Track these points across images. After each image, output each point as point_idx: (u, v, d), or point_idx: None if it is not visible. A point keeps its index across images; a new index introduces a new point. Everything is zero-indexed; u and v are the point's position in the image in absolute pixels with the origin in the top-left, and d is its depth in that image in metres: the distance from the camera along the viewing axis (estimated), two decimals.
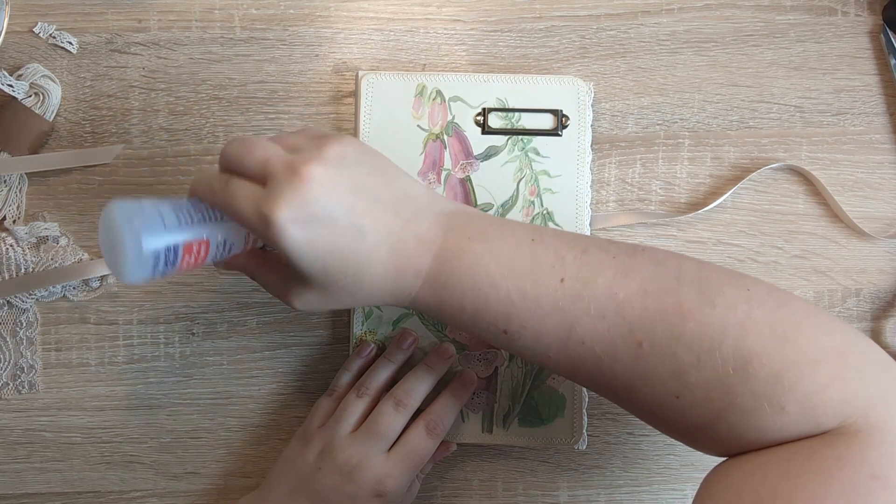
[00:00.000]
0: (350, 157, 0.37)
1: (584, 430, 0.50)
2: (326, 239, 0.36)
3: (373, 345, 0.51)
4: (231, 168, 0.37)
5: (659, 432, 0.52)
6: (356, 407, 0.48)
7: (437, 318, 0.40)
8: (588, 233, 0.51)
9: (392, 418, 0.47)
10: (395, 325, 0.51)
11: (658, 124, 0.54)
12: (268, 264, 0.42)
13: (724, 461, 0.37)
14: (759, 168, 0.53)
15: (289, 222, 0.35)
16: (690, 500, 0.52)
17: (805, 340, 0.35)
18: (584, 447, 0.51)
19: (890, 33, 0.53)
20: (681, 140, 0.54)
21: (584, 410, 0.51)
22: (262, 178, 0.36)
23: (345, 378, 0.50)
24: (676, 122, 0.54)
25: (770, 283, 0.38)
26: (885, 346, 0.52)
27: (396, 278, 0.38)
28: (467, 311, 0.39)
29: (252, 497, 0.49)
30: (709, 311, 0.35)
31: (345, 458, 0.46)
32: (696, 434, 0.37)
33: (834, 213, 0.53)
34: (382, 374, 0.49)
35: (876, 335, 0.53)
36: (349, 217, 0.36)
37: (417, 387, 0.49)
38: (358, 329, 0.51)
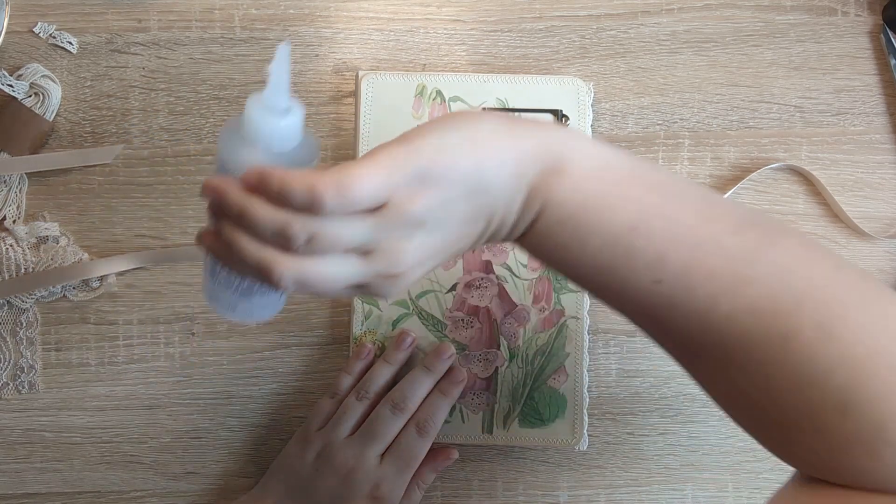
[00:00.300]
0: (433, 218, 0.32)
1: (585, 431, 0.50)
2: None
3: (370, 346, 0.51)
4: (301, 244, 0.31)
5: (659, 432, 0.52)
6: (355, 410, 0.48)
7: (546, 257, 0.34)
8: None
9: (389, 421, 0.47)
10: (395, 325, 0.51)
11: (658, 124, 0.54)
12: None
13: (800, 483, 0.34)
14: (759, 168, 0.53)
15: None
16: (690, 500, 0.52)
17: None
18: (585, 447, 0.51)
19: (890, 33, 0.53)
20: (681, 140, 0.54)
21: (585, 411, 0.51)
22: (366, 253, 0.32)
23: (346, 381, 0.50)
24: (676, 122, 0.54)
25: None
26: None
27: (504, 215, 0.32)
28: (577, 246, 0.33)
29: (249, 497, 0.49)
30: (825, 345, 0.31)
31: (341, 460, 0.46)
32: (774, 442, 0.34)
33: (834, 213, 0.53)
34: (382, 377, 0.49)
35: None
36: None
37: (415, 389, 0.49)
38: (357, 329, 0.51)
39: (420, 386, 0.49)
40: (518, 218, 0.33)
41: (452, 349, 0.50)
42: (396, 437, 0.48)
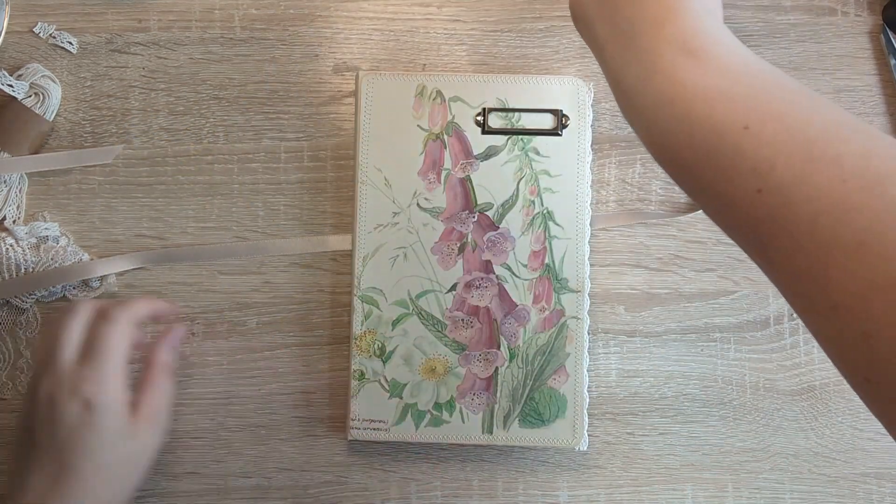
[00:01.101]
0: None
1: (585, 431, 0.50)
2: None
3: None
4: None
5: (659, 432, 0.52)
6: (78, 322, 0.46)
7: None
8: (588, 233, 0.51)
9: (67, 324, 0.45)
10: (395, 325, 0.51)
11: None
12: None
13: None
14: None
15: None
16: (690, 500, 0.52)
17: None
18: (585, 448, 0.51)
19: (890, 33, 0.53)
20: None
21: (585, 411, 0.51)
22: None
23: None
24: None
25: None
26: None
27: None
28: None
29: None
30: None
31: (41, 388, 0.44)
32: None
33: None
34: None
35: None
36: None
37: (131, 304, 0.47)
38: (357, 329, 0.51)
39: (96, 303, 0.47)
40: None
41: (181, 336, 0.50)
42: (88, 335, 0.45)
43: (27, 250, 0.52)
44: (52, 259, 0.51)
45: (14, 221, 0.52)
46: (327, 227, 0.53)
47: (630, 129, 0.54)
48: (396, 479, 0.52)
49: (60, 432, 0.43)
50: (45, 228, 0.52)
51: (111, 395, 0.44)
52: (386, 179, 0.51)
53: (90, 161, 0.53)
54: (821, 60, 0.54)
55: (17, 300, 0.52)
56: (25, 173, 0.53)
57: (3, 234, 0.52)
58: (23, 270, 0.51)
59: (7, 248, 0.51)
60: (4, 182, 0.52)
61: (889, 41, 0.53)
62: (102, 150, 0.53)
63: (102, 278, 0.52)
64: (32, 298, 0.52)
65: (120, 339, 0.45)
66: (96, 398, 0.43)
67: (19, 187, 0.53)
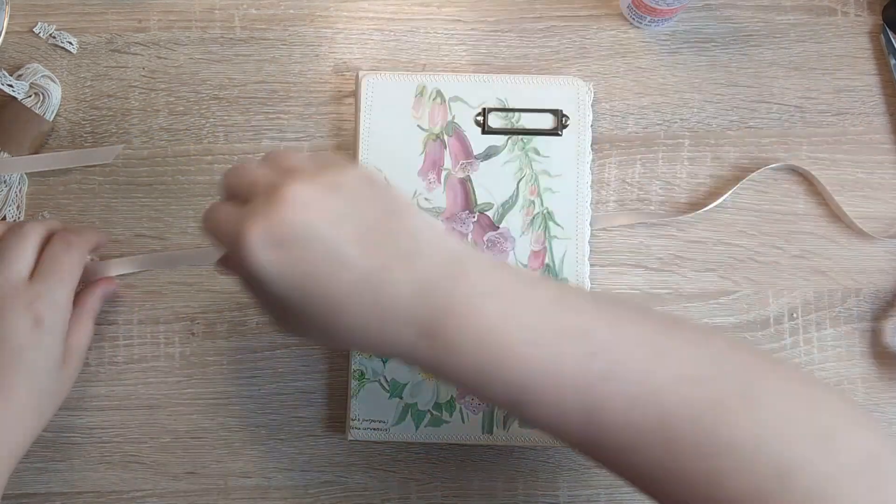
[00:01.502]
0: (348, 185, 0.33)
1: None
2: (300, 264, 0.32)
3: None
4: (226, 194, 0.36)
5: None
6: (32, 238, 0.46)
7: (440, 378, 0.35)
8: (588, 233, 0.51)
9: (21, 239, 0.45)
10: None
11: (658, 124, 0.54)
12: None
13: None
14: (759, 168, 0.53)
15: (259, 242, 0.31)
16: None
17: (846, 447, 0.32)
18: None
19: (890, 33, 0.53)
20: (681, 140, 0.54)
21: None
22: (246, 200, 0.34)
23: None
24: (676, 122, 0.54)
25: (800, 368, 0.35)
26: (884, 346, 0.52)
27: (381, 325, 0.33)
28: (471, 379, 0.33)
29: None
30: (752, 412, 0.32)
31: None
32: None
33: (834, 213, 0.53)
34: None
35: (876, 335, 0.53)
36: (330, 243, 0.32)
37: (86, 232, 0.48)
38: None
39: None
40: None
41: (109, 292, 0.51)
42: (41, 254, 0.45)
43: None
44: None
45: (14, 221, 0.52)
46: None
47: (630, 129, 0.54)
48: (396, 479, 0.52)
49: (5, 347, 0.43)
50: None
51: (61, 318, 0.44)
52: (386, 179, 0.51)
53: (90, 161, 0.53)
54: (821, 60, 0.54)
55: None
56: (25, 173, 0.53)
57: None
58: None
59: None
60: (4, 182, 0.52)
61: (889, 41, 0.53)
62: (102, 150, 0.53)
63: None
64: None
65: (75, 266, 0.45)
66: (48, 317, 0.43)
67: (19, 187, 0.53)
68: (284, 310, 0.34)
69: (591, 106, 0.52)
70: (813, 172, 0.53)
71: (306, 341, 0.37)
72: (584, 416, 0.32)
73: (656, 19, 0.53)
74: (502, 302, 0.33)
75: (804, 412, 0.32)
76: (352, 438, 0.51)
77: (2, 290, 0.44)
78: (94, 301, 0.49)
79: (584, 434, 0.33)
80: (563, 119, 0.52)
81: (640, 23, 0.53)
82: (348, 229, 0.32)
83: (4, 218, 0.52)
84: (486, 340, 0.32)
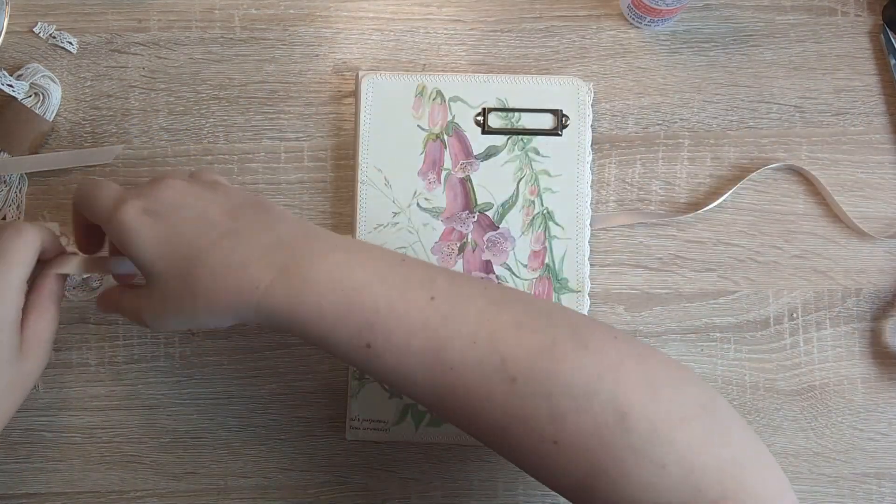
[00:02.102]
0: (223, 185, 0.40)
1: None
2: (167, 227, 0.37)
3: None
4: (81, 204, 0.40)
5: None
6: None
7: (287, 329, 0.36)
8: (588, 233, 0.51)
9: None
10: None
11: (658, 124, 0.54)
12: (126, 291, 0.42)
13: None
14: (759, 168, 0.53)
15: (133, 210, 0.37)
16: None
17: (674, 394, 0.34)
18: None
19: (890, 33, 0.53)
20: (681, 140, 0.54)
21: None
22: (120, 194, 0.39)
23: None
24: (676, 122, 0.54)
25: (627, 333, 0.38)
26: (884, 346, 0.52)
27: (241, 272, 0.36)
28: (326, 318, 0.35)
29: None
30: (582, 354, 0.34)
31: None
32: (577, 490, 0.35)
33: (834, 213, 0.53)
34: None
35: (876, 335, 0.53)
36: (198, 210, 0.37)
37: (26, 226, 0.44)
38: None
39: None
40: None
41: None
42: None
43: None
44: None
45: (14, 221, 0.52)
46: (327, 227, 0.53)
47: (630, 129, 0.54)
48: (396, 479, 0.52)
49: None
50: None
51: (11, 309, 0.40)
52: (386, 179, 0.51)
53: (90, 161, 0.53)
54: (821, 60, 0.54)
55: None
56: (25, 173, 0.53)
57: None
58: None
59: None
60: (4, 182, 0.52)
61: (889, 41, 0.53)
62: (102, 150, 0.53)
63: (102, 278, 0.52)
64: None
65: (27, 252, 0.41)
66: None
67: (19, 187, 0.53)
68: (149, 276, 0.37)
69: (591, 106, 0.52)
70: (813, 172, 0.53)
71: (169, 321, 0.38)
72: (432, 356, 0.35)
73: (656, 19, 0.53)
74: (352, 253, 0.37)
75: (634, 360, 0.35)
76: (351, 438, 0.51)
77: None
78: (49, 283, 0.43)
79: (433, 379, 0.35)
80: (563, 119, 0.52)
81: (640, 23, 0.54)
82: (216, 205, 0.38)
83: (4, 218, 0.52)
84: (338, 278, 0.35)
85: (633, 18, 0.53)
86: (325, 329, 0.36)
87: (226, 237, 0.37)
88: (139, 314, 0.39)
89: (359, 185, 0.52)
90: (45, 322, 0.42)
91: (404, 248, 0.51)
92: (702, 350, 0.52)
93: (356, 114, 0.52)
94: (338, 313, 0.35)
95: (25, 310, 0.42)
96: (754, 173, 0.53)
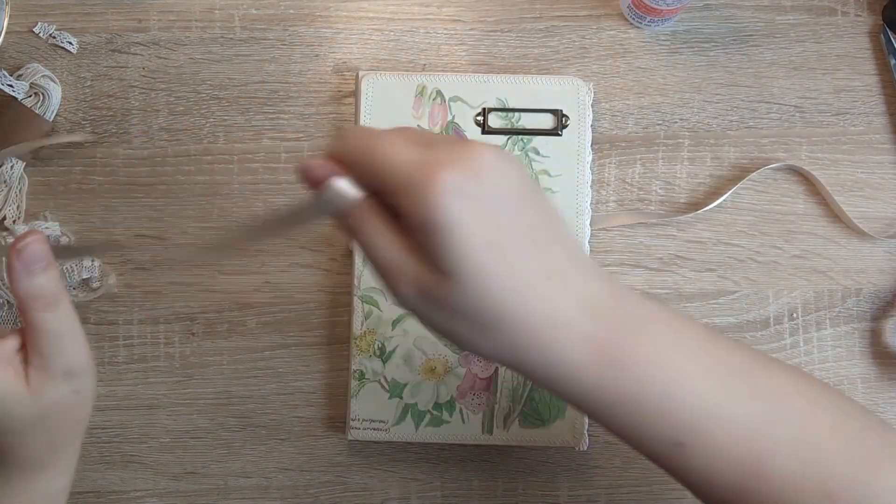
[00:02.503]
0: (526, 172, 0.31)
1: (585, 431, 0.50)
2: (489, 225, 0.28)
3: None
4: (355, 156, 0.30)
5: None
6: None
7: (593, 410, 0.31)
8: (588, 233, 0.51)
9: None
10: (395, 325, 0.51)
11: (658, 124, 0.54)
12: (396, 233, 0.30)
13: None
14: (759, 168, 0.53)
15: (454, 188, 0.27)
16: (690, 500, 0.52)
17: None
18: (585, 447, 0.51)
19: (890, 33, 0.53)
20: (681, 140, 0.54)
21: None
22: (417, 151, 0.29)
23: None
24: (676, 122, 0.54)
25: None
26: (884, 346, 0.52)
27: (557, 331, 0.29)
28: (639, 408, 0.30)
29: None
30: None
31: None
32: None
33: (834, 213, 0.53)
34: None
35: (876, 335, 0.53)
36: (520, 217, 0.29)
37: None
38: (358, 329, 0.51)
39: None
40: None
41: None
42: None
43: None
44: None
45: (14, 221, 0.52)
46: (327, 227, 0.53)
47: (630, 129, 0.54)
48: (396, 479, 0.52)
49: None
50: (46, 228, 0.52)
51: None
52: None
53: (60, 140, 0.53)
54: (821, 60, 0.54)
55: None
56: (25, 173, 0.53)
57: (4, 234, 0.52)
58: None
59: None
60: (5, 182, 0.52)
61: (889, 41, 0.53)
62: (67, 135, 0.53)
63: (102, 278, 0.52)
64: None
65: None
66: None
67: (19, 187, 0.53)
68: (441, 275, 0.29)
69: (591, 106, 0.52)
70: (813, 172, 0.53)
71: (442, 324, 0.30)
72: (748, 464, 0.30)
73: (656, 19, 0.53)
74: (669, 329, 0.31)
75: None
76: (351, 438, 0.51)
77: None
78: (26, 283, 0.34)
79: (739, 483, 0.30)
80: (563, 119, 0.52)
81: (640, 23, 0.54)
82: (543, 217, 0.30)
83: (4, 218, 0.52)
84: (661, 364, 0.30)
85: (633, 18, 0.53)
86: (634, 420, 0.30)
87: (551, 278, 0.29)
88: (404, 284, 0.30)
89: None
90: (45, 338, 0.35)
91: None
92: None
93: (356, 114, 0.52)
94: (657, 406, 0.30)
95: (22, 330, 0.36)
96: (754, 173, 0.53)
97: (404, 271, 0.29)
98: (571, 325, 0.29)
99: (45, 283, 0.34)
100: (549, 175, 0.51)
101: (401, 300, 0.30)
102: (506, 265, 0.28)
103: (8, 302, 0.52)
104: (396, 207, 0.29)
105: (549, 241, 0.30)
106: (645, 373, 0.30)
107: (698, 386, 0.30)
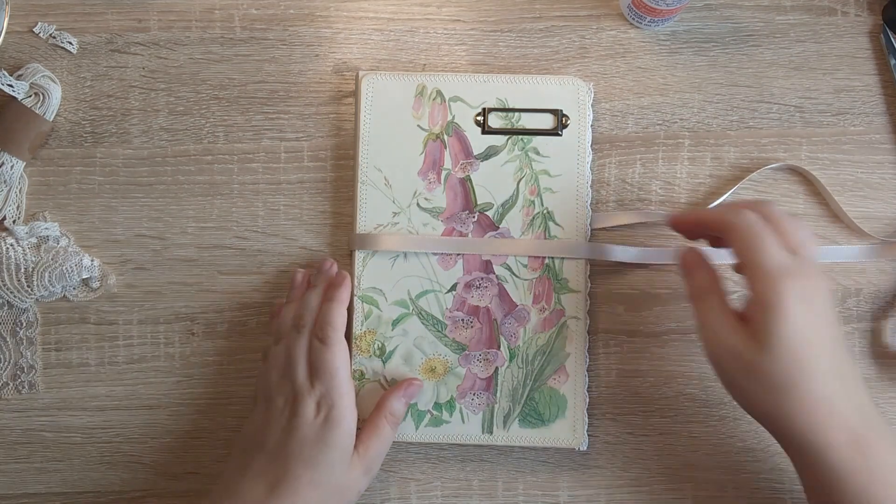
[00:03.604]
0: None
1: (585, 431, 0.50)
2: (809, 324, 0.38)
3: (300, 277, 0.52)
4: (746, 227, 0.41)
5: (659, 432, 0.52)
6: (302, 345, 0.48)
7: (822, 478, 0.40)
8: (589, 233, 0.51)
9: (295, 342, 0.48)
10: (395, 325, 0.51)
11: (658, 124, 0.54)
12: (732, 314, 0.41)
13: None
14: (759, 168, 0.53)
15: (799, 293, 0.39)
16: (690, 500, 0.52)
17: None
18: (585, 448, 0.51)
19: (890, 33, 0.53)
20: (681, 140, 0.54)
21: (585, 411, 0.51)
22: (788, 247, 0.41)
23: (287, 317, 0.50)
24: (676, 122, 0.54)
25: None
26: (884, 346, 0.52)
27: (831, 411, 0.39)
28: (872, 489, 0.39)
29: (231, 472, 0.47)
30: None
31: (281, 399, 0.47)
32: None
33: (834, 213, 0.53)
34: (314, 303, 0.49)
35: (876, 335, 0.53)
36: (829, 329, 0.40)
37: (306, 304, 0.49)
38: (358, 329, 0.51)
39: (309, 299, 0.49)
40: None
41: (331, 260, 0.51)
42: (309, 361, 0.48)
43: (27, 250, 0.52)
44: (52, 259, 0.51)
45: (14, 221, 0.52)
46: (327, 227, 0.53)
47: (630, 129, 0.54)
48: (396, 479, 0.52)
49: (293, 441, 0.45)
50: (46, 228, 0.52)
51: (349, 415, 0.46)
52: (386, 179, 0.52)
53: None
54: (821, 60, 0.54)
55: (17, 300, 0.52)
56: (25, 173, 0.53)
57: (4, 234, 0.52)
58: (22, 270, 0.51)
59: (7, 248, 0.51)
60: (4, 182, 0.52)
61: (889, 41, 0.53)
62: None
63: (102, 278, 0.52)
64: (32, 298, 0.52)
65: (345, 358, 0.47)
66: (338, 415, 0.45)
67: (19, 187, 0.53)
68: (762, 345, 0.39)
69: (591, 106, 0.52)
70: (813, 172, 0.53)
71: (751, 390, 0.41)
72: None
73: (656, 19, 0.53)
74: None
75: None
76: None
77: (289, 389, 0.47)
78: (397, 407, 0.49)
79: None
80: (563, 119, 0.52)
81: (640, 23, 0.54)
82: (836, 328, 0.41)
83: (4, 218, 0.52)
84: (892, 468, 0.39)
85: (633, 18, 0.53)
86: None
87: (837, 378, 0.40)
88: (732, 358, 0.41)
89: (359, 185, 0.52)
90: (379, 441, 0.48)
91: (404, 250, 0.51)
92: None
93: (356, 114, 0.52)
94: (884, 495, 0.39)
95: (364, 426, 0.48)
96: (754, 173, 0.53)
97: (724, 335, 0.40)
98: (842, 415, 0.39)
99: (404, 408, 0.50)
100: (549, 175, 0.51)
101: (711, 352, 0.42)
102: (810, 352, 0.39)
103: (8, 302, 0.52)
104: (737, 271, 0.44)
105: (843, 356, 0.40)
106: (881, 470, 0.39)
107: None
